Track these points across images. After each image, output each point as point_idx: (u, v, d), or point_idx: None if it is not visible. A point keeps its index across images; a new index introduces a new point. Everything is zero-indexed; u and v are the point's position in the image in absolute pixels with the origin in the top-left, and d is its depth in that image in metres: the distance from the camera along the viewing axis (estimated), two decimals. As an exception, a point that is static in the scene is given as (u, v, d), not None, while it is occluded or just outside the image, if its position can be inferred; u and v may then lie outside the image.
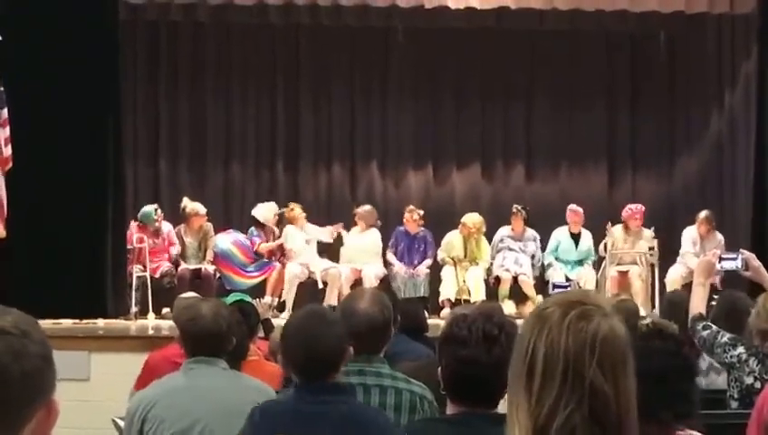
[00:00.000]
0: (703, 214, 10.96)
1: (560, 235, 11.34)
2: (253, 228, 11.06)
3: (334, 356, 3.14)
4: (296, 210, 11.04)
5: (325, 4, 11.15)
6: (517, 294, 11.09)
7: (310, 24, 11.71)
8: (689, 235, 10.99)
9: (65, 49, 9.65)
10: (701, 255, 10.65)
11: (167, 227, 10.84)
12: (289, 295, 10.63)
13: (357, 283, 10.66)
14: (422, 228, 11.30)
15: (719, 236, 10.93)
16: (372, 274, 10.89)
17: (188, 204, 10.98)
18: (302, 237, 10.93)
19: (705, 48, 12.13)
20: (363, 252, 11.08)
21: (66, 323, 9.41)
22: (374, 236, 11.19)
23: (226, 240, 10.95)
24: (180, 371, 3.93)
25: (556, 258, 11.27)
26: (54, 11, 9.68)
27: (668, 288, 10.39)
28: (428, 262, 11.16)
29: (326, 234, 11.21)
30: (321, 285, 10.70)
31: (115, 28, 10.22)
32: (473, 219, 11.13)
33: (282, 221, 11.11)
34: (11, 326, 1.46)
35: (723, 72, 12.04)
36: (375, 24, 11.83)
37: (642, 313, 8.98)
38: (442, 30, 11.97)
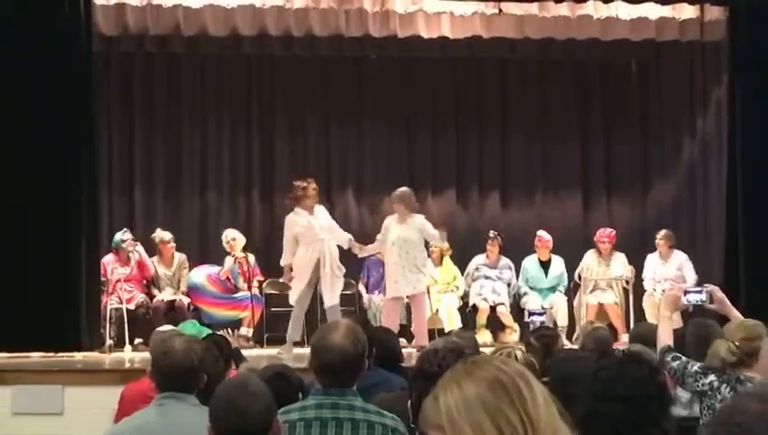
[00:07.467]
0: (662, 232, 11.12)
1: (528, 264, 11.35)
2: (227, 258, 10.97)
3: (260, 430, 3.16)
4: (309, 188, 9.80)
5: (299, 34, 11.20)
6: (494, 323, 11.09)
7: (284, 54, 11.74)
8: (649, 263, 11.11)
9: (39, 80, 9.60)
10: (662, 280, 10.81)
11: (139, 251, 10.63)
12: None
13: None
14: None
15: (679, 255, 11.07)
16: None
17: (157, 233, 10.95)
18: (307, 220, 9.76)
19: (676, 75, 12.26)
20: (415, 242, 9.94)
21: (40, 356, 9.35)
22: (418, 220, 10.04)
23: (200, 274, 10.93)
24: (151, 406, 3.91)
25: (530, 287, 11.28)
26: (27, 42, 9.67)
27: (647, 315, 10.47)
28: None
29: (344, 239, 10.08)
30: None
31: (89, 59, 10.18)
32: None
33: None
34: None
35: (694, 99, 12.16)
36: (348, 54, 11.88)
37: (625, 338, 9.05)
38: (415, 59, 12.06)
